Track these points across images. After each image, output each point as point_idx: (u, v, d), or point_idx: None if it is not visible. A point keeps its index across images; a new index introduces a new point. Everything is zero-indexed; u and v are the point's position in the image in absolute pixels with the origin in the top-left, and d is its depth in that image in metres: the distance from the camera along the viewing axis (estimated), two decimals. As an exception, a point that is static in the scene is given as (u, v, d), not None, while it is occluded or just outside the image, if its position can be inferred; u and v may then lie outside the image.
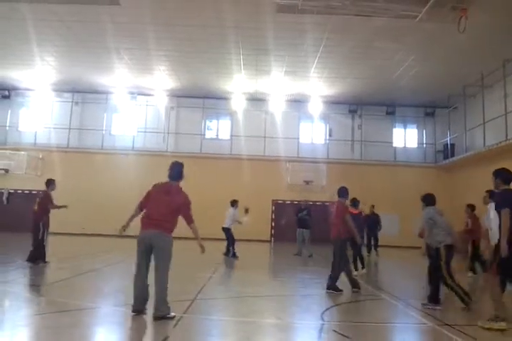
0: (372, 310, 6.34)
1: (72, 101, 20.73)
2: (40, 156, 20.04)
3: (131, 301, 5.26)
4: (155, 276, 5.16)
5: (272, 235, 20.05)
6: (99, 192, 19.02)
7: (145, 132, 20.63)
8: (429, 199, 6.82)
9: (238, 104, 20.32)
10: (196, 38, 14.52)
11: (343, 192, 7.79)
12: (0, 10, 12.70)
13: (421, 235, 6.72)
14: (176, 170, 5.75)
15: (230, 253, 12.65)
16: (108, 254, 12.68)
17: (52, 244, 12.52)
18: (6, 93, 20.48)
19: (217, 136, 21.61)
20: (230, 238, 12.87)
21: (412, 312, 6.10)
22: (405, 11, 11.58)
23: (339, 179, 19.46)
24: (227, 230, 12.85)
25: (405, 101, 20.37)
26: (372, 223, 13.97)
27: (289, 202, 19.77)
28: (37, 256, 9.39)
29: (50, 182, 9.91)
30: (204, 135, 21.30)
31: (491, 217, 7.10)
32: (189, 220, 5.48)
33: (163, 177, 20.24)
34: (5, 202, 19.16)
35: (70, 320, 5.11)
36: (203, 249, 5.47)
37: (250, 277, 9.21)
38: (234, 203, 13.09)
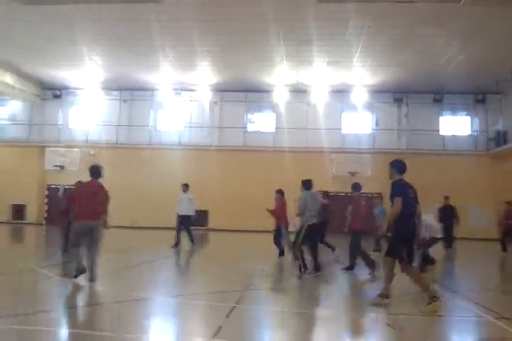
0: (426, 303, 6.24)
1: (120, 99, 21.39)
2: (92, 152, 20.83)
3: (184, 292, 5.43)
4: (92, 252, 6.80)
5: (317, 227, 20.00)
6: (147, 186, 19.58)
7: (190, 127, 21.00)
8: (306, 185, 8.25)
9: (280, 96, 20.28)
10: (237, 32, 14.60)
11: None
12: (47, 12, 13.22)
13: (298, 214, 8.09)
14: (98, 171, 7.07)
15: (192, 245, 11.88)
16: (158, 246, 13.09)
17: (106, 237, 13.06)
18: (58, 92, 21.40)
19: (260, 129, 21.69)
20: (189, 226, 12.25)
21: (468, 305, 5.96)
22: (449, -5, 11.17)
23: (385, 169, 19.12)
24: (188, 217, 12.13)
25: (453, 87, 19.64)
26: (446, 216, 12.14)
27: (332, 193, 19.59)
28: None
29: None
30: (247, 128, 21.44)
31: None
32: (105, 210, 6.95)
33: (208, 170, 20.68)
34: (61, 197, 20.06)
35: (127, 310, 5.37)
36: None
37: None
38: (186, 187, 12.44)
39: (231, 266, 9.61)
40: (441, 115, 20.94)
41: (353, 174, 19.55)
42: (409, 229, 5.55)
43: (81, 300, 6.02)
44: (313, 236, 8.14)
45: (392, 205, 5.55)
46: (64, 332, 4.54)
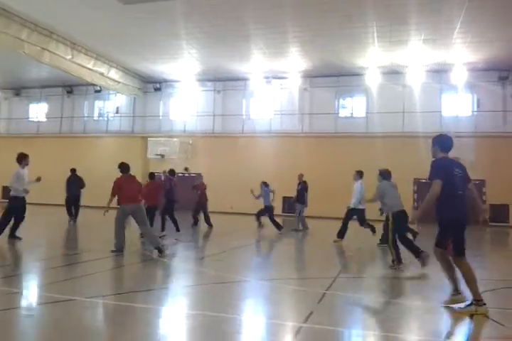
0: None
1: (214, 90, 22.16)
2: (190, 142, 21.96)
3: (277, 276, 5.62)
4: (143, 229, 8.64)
5: (414, 215, 19.22)
6: (241, 173, 20.21)
7: (281, 114, 21.18)
8: (384, 175, 8.41)
9: (373, 79, 19.61)
10: (328, 16, 14.31)
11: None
12: (149, 9, 14.03)
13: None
14: (127, 167, 8.77)
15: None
16: (251, 232, 13.54)
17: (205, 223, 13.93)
18: (158, 85, 22.73)
19: (351, 114, 21.23)
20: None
21: None
22: None
23: (490, 154, 17.85)
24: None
25: None
26: None
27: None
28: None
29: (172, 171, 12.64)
30: (338, 114, 21.10)
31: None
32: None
33: (299, 157, 20.78)
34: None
35: (223, 291, 5.72)
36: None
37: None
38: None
39: (322, 251, 9.70)
40: (556, 93, 18.84)
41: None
42: (456, 214, 4.84)
43: (181, 281, 6.50)
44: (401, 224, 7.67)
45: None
46: (165, 310, 4.99)
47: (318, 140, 20.24)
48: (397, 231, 7.48)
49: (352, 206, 10.70)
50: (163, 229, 11.36)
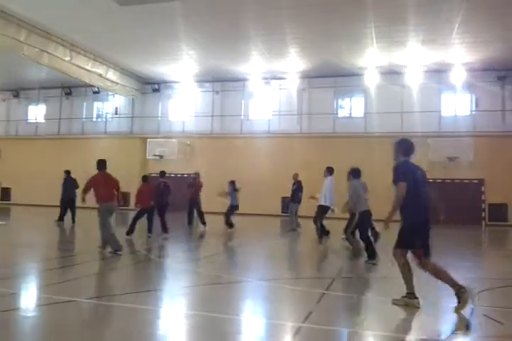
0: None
1: (212, 91, 22.14)
2: (188, 143, 21.94)
3: (275, 276, 5.62)
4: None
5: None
6: (240, 173, 20.10)
7: (279, 115, 21.18)
8: (355, 173, 8.48)
9: (371, 79, 19.63)
10: (326, 17, 14.34)
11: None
12: (148, 11, 14.01)
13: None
14: (104, 164, 8.68)
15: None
16: (247, 232, 13.54)
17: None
18: (156, 86, 22.71)
19: (350, 114, 21.23)
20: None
21: None
22: None
23: (488, 153, 17.86)
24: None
25: None
26: None
27: (431, 180, 18.69)
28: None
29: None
30: (337, 114, 21.11)
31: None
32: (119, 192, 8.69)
33: (298, 157, 20.78)
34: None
35: (222, 292, 5.72)
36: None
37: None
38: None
39: (319, 251, 9.71)
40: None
41: (452, 159, 18.46)
42: (420, 216, 4.94)
43: (179, 282, 6.49)
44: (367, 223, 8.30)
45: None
46: (164, 310, 4.99)
47: (316, 140, 20.24)
48: (360, 229, 8.07)
49: (322, 203, 10.45)
50: (164, 229, 11.29)
